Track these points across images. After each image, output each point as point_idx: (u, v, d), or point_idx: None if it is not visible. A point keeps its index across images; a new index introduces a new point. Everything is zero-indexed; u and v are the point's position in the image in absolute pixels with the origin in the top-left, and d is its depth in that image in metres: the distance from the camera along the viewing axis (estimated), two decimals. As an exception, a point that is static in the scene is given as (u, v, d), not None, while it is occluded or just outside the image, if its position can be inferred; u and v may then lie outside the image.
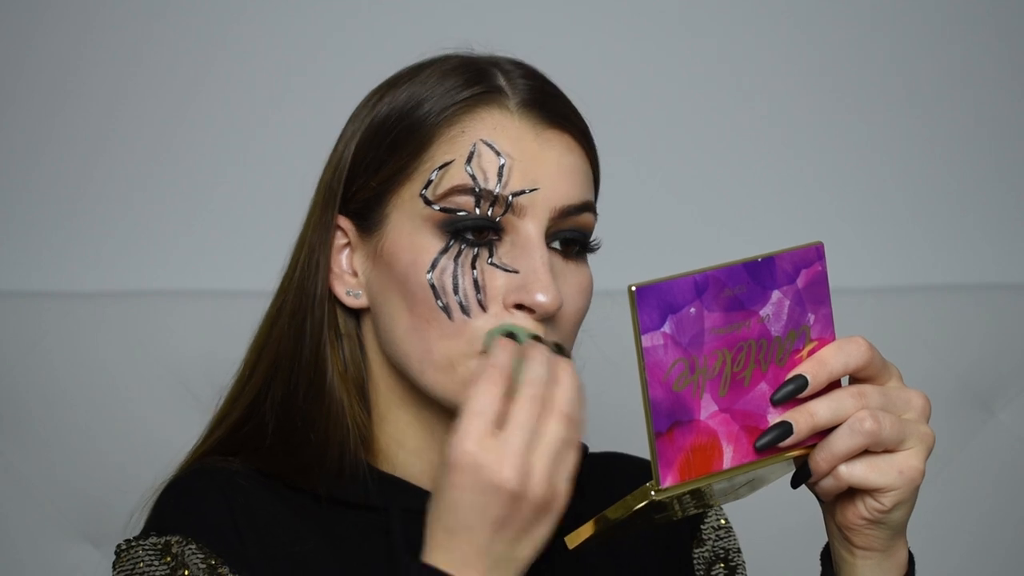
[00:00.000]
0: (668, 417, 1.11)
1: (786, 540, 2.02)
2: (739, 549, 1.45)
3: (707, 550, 1.44)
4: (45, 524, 1.96)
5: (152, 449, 1.74)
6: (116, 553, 1.30)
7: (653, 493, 1.12)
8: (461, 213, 1.26)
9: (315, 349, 1.32)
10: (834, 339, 1.16)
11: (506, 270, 1.26)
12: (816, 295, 1.15)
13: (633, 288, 1.09)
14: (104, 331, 1.98)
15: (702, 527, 1.44)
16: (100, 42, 2.10)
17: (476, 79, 1.30)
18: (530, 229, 1.26)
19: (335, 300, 1.33)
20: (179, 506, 1.29)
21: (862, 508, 1.18)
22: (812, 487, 1.18)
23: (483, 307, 1.25)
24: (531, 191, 1.26)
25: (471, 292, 1.25)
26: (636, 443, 1.53)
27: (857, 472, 1.16)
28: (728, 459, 1.13)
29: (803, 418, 1.14)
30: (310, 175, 1.37)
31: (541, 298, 1.24)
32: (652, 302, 1.09)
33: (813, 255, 1.15)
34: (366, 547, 1.30)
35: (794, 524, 1.97)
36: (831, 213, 2.21)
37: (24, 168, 2.08)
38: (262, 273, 1.46)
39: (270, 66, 2.12)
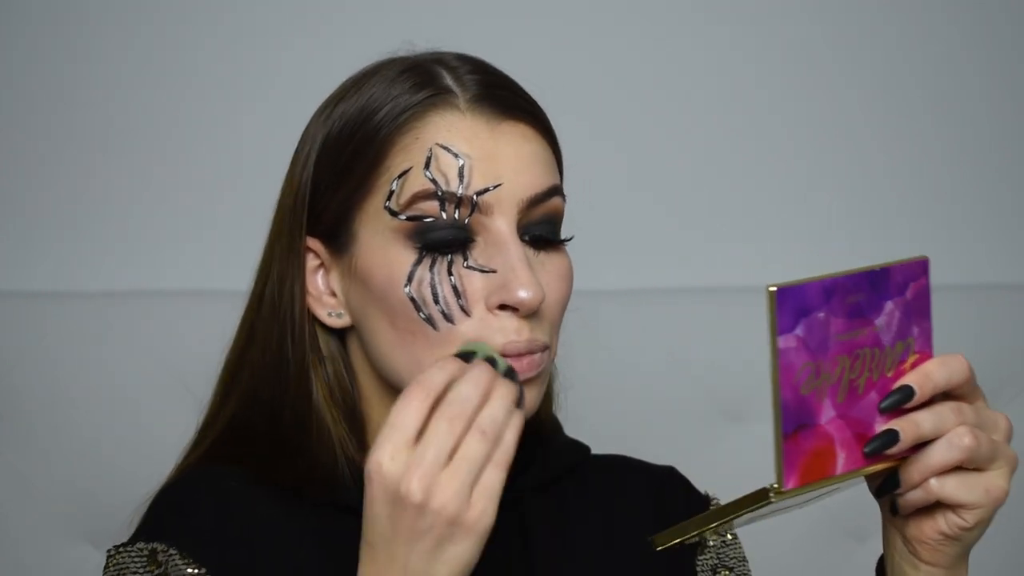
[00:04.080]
0: (795, 420, 1.11)
1: (791, 550, 2.02)
2: (744, 558, 1.44)
3: (711, 557, 1.42)
4: (45, 524, 1.96)
5: (152, 450, 1.73)
6: (106, 558, 1.30)
7: (772, 495, 1.12)
8: (428, 219, 1.24)
9: (298, 374, 1.30)
10: (932, 354, 1.17)
11: (483, 271, 1.24)
12: (920, 309, 1.16)
13: (773, 289, 1.09)
14: (105, 331, 1.98)
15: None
16: (99, 42, 2.10)
17: (424, 82, 1.27)
18: (501, 226, 1.24)
19: (315, 322, 1.31)
20: (167, 513, 1.29)
21: (942, 523, 1.18)
22: (894, 498, 1.18)
23: (466, 312, 1.23)
24: (495, 187, 1.24)
25: (452, 299, 1.23)
26: (636, 444, 1.54)
27: (948, 487, 1.16)
28: (840, 465, 1.13)
29: (909, 427, 1.14)
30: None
31: (523, 295, 1.22)
32: (789, 304, 1.09)
33: (919, 270, 1.16)
34: (358, 554, 1.30)
35: (799, 535, 1.97)
36: (830, 213, 2.21)
37: (25, 168, 2.08)
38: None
39: (270, 66, 2.12)
